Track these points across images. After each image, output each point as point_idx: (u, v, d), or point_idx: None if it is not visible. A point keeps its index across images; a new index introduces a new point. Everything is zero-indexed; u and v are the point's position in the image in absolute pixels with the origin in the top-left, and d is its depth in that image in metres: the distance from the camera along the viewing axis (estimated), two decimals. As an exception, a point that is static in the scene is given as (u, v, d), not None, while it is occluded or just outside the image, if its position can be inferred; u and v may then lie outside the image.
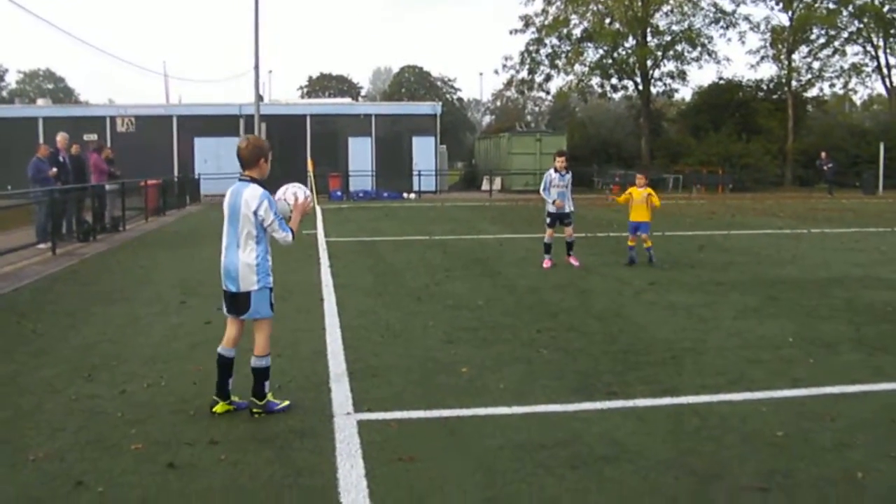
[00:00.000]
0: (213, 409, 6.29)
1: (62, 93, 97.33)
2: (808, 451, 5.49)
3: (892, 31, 53.12)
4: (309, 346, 8.51)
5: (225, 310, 6.44)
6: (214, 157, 43.04)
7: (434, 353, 8.17)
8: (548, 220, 14.74)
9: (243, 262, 6.19)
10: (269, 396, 6.37)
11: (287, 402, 6.44)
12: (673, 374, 7.45)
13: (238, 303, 6.26)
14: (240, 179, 6.32)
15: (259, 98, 43.16)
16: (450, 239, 19.65)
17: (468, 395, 6.75)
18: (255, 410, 6.27)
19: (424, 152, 45.43)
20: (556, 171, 14.48)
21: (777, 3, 52.73)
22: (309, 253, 16.66)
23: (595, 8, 53.74)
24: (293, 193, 6.54)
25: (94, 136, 38.01)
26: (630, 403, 6.55)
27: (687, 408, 6.45)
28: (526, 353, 8.21)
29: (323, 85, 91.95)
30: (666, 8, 53.51)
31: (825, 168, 43.06)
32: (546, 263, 14.45)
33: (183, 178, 37.56)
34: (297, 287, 12.31)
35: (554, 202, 14.50)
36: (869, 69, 55.03)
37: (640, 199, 15.01)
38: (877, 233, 21.23)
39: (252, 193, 6.16)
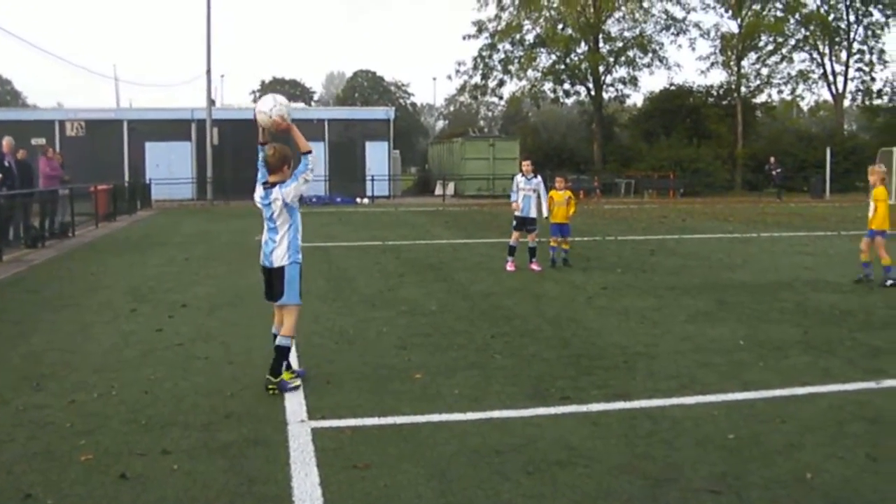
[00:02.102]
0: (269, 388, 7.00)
1: (8, 95, 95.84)
2: (758, 453, 5.56)
3: (837, 39, 54.13)
4: (262, 352, 8.40)
5: (265, 294, 7.36)
6: (166, 162, 42.67)
7: (388, 360, 8.16)
8: (514, 222, 14.88)
9: (280, 248, 7.08)
10: (284, 376, 7.05)
11: (298, 382, 7.11)
12: (626, 378, 7.50)
13: (273, 280, 7.11)
14: (264, 188, 7.10)
15: (211, 102, 42.83)
16: (403, 244, 19.65)
17: (422, 402, 6.75)
18: (269, 387, 6.94)
19: (378, 157, 45.39)
20: (522, 174, 14.69)
21: (726, 11, 53.56)
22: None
23: (548, 14, 54.22)
24: (279, 114, 7.10)
25: (42, 141, 37.52)
26: (584, 408, 6.58)
27: (640, 412, 6.50)
28: (480, 358, 8.22)
29: (276, 89, 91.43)
30: (618, 14, 54.19)
31: (774, 173, 43.62)
32: (509, 266, 14.58)
33: (134, 183, 37.15)
34: (249, 293, 12.21)
35: (514, 204, 14.81)
36: (815, 76, 56.10)
37: (560, 201, 15.18)
38: (825, 236, 21.55)
39: (276, 190, 6.99)
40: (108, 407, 6.64)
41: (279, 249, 7.07)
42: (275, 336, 7.21)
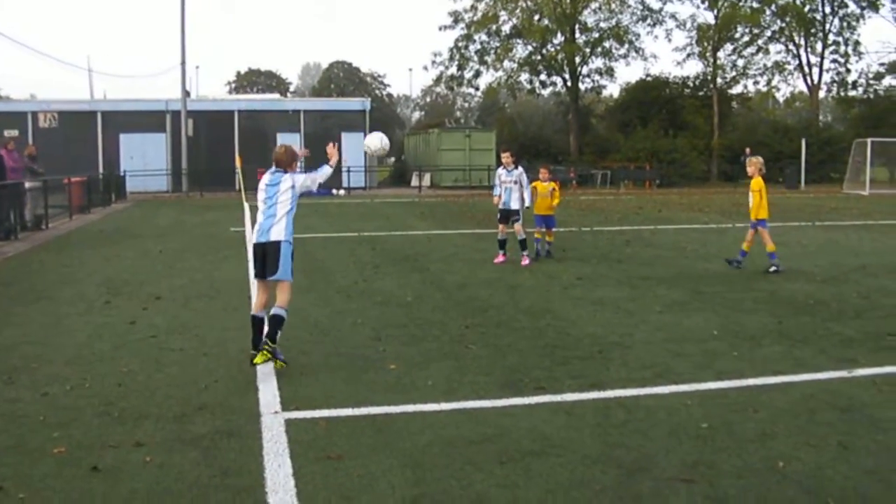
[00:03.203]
0: (254, 361, 7.48)
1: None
2: (731, 442, 5.59)
3: (812, 31, 54.42)
4: (236, 344, 8.41)
5: (255, 273, 7.92)
6: (140, 154, 42.38)
7: (362, 351, 8.15)
8: (498, 215, 14.85)
9: (278, 225, 7.70)
10: (277, 346, 7.54)
11: (283, 362, 7.53)
12: (600, 368, 7.52)
13: (268, 256, 7.67)
14: (273, 172, 7.97)
15: (186, 94, 42.57)
16: (379, 235, 19.61)
17: (396, 392, 6.75)
18: (266, 347, 7.45)
19: (354, 148, 45.22)
20: (503, 166, 14.64)
21: (703, 2, 53.76)
22: (237, 250, 16.50)
23: (524, 4, 54.18)
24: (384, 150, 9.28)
25: (14, 133, 37.19)
26: (558, 398, 6.60)
27: (614, 401, 6.52)
28: (454, 349, 8.23)
29: (251, 80, 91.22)
30: (594, 5, 54.30)
31: (749, 163, 43.73)
32: (497, 259, 14.54)
33: (108, 174, 36.84)
34: (224, 285, 12.19)
35: (495, 199, 14.84)
36: (791, 67, 56.52)
37: (544, 192, 15.17)
38: (799, 227, 21.67)
39: (287, 177, 7.89)
40: (80, 400, 6.59)
41: (278, 226, 7.68)
42: (253, 317, 7.76)
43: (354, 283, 12.34)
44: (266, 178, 7.96)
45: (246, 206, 29.04)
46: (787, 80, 60.46)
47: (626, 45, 55.41)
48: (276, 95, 66.89)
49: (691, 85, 57.61)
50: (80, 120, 43.38)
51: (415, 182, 46.11)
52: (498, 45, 55.66)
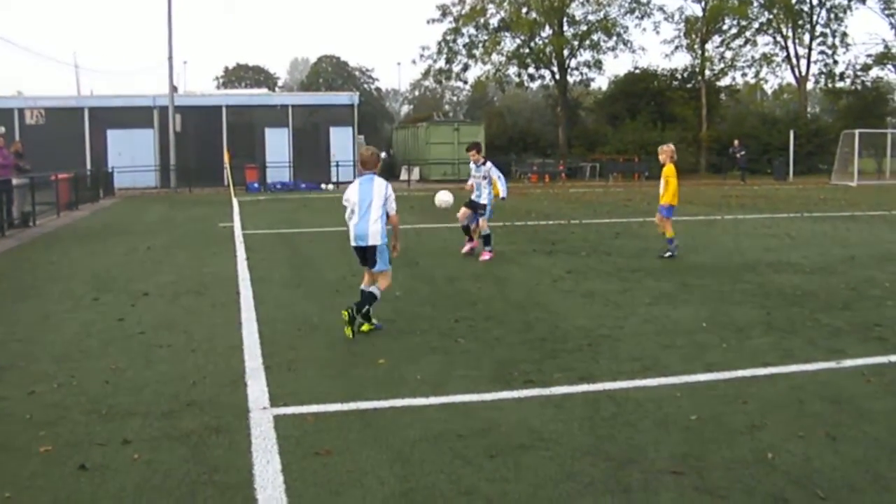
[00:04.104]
0: (362, 329, 8.55)
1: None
2: (720, 434, 5.59)
3: (800, 23, 54.52)
4: (225, 340, 8.39)
5: (360, 262, 8.95)
6: (128, 150, 42.23)
7: (351, 346, 8.14)
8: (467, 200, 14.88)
9: (373, 228, 8.54)
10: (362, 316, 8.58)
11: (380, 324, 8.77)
12: (589, 361, 7.52)
13: (368, 254, 8.67)
14: (363, 176, 8.82)
15: (173, 89, 42.44)
16: (369, 230, 19.51)
17: (385, 387, 6.73)
18: (353, 313, 8.37)
19: (342, 143, 45.18)
20: (472, 163, 14.63)
21: (690, -6, 53.66)
22: (225, 246, 16.46)
23: (512, -3, 54.05)
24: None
25: (1, 129, 36.97)
26: (547, 391, 6.59)
27: (603, 394, 6.51)
28: (443, 343, 8.21)
29: (239, 75, 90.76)
30: (582, -2, 54.08)
31: (738, 155, 43.92)
32: (464, 248, 14.58)
33: (96, 171, 36.72)
34: (213, 281, 12.15)
35: (468, 185, 15.09)
36: (779, 59, 56.58)
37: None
38: (787, 218, 21.73)
39: (381, 183, 8.70)
40: (68, 397, 6.56)
41: (373, 230, 8.55)
42: (361, 291, 8.76)
43: (343, 277, 12.31)
44: (357, 183, 8.82)
45: (235, 201, 29.00)
46: (775, 71, 60.50)
47: (615, 38, 55.45)
48: (265, 90, 66.68)
49: (679, 77, 57.70)
50: (68, 116, 43.15)
51: (404, 176, 46.06)
52: (486, 38, 55.62)
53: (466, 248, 14.66)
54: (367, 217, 8.57)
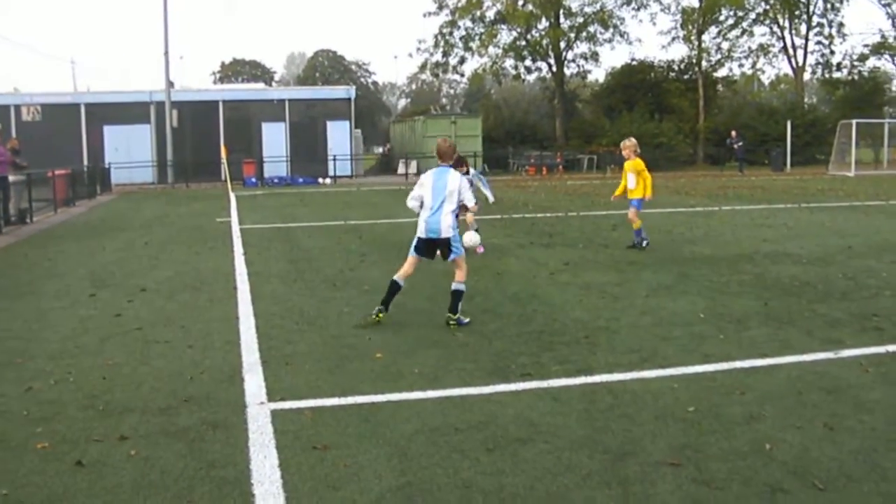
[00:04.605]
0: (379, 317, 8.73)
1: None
2: (718, 425, 5.59)
3: (796, 13, 54.45)
4: (222, 335, 8.38)
5: (415, 252, 8.93)
6: (125, 146, 42.16)
7: (349, 340, 8.12)
8: None
9: (445, 221, 8.63)
10: (460, 315, 8.64)
11: (468, 319, 8.74)
12: (587, 353, 7.51)
13: (440, 246, 8.76)
14: (439, 166, 8.95)
15: (170, 84, 42.38)
16: (365, 224, 19.56)
17: (383, 381, 6.72)
18: (450, 322, 8.56)
19: (339, 137, 45.12)
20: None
21: (687, -15, 53.56)
22: (223, 241, 16.45)
23: (508, -10, 53.94)
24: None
25: (-2, 127, 36.93)
26: (545, 384, 6.59)
27: (601, 386, 6.51)
28: (441, 336, 8.21)
29: (236, 70, 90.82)
30: (578, -11, 53.97)
31: (735, 146, 43.93)
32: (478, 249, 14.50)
33: (93, 167, 36.65)
34: (210, 276, 12.14)
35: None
36: (776, 49, 56.51)
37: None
38: (785, 209, 21.72)
39: (455, 176, 8.81)
40: (65, 394, 6.55)
41: (445, 222, 8.64)
42: (393, 282, 8.86)
43: (340, 271, 12.30)
44: (432, 174, 8.88)
45: (232, 196, 28.97)
46: (772, 62, 60.93)
47: (611, 30, 55.39)
48: (261, 85, 66.64)
49: (676, 69, 57.58)
50: (64, 112, 43.03)
51: (401, 169, 46.02)
52: (482, 31, 55.52)
53: (479, 248, 14.42)
54: (440, 210, 8.65)
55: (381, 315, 8.72)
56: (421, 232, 8.79)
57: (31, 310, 9.97)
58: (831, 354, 7.35)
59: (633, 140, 14.45)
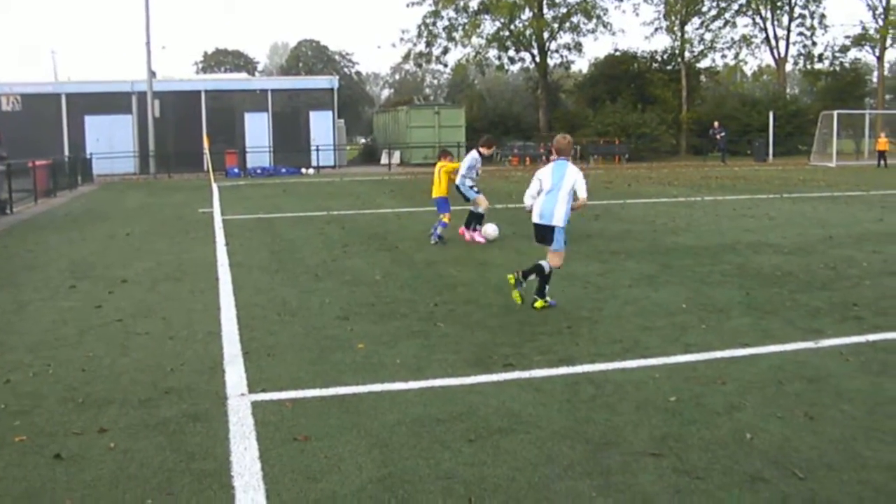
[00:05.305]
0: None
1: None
2: (699, 415, 5.60)
3: (779, 4, 54.62)
4: (203, 326, 8.34)
5: (535, 239, 9.38)
6: (107, 136, 41.89)
7: (330, 330, 8.10)
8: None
9: (558, 210, 8.95)
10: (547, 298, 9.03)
11: (553, 300, 9.11)
12: (569, 343, 7.51)
13: (546, 233, 9.06)
14: (557, 160, 9.29)
15: (152, 74, 42.10)
16: (348, 214, 19.50)
17: (364, 372, 6.71)
18: (536, 305, 8.95)
19: (322, 127, 44.96)
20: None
21: (670, -25, 53.61)
22: (205, 232, 16.37)
23: (491, -20, 53.87)
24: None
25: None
26: (526, 374, 6.58)
27: (582, 377, 6.51)
28: (423, 327, 8.19)
29: (218, 60, 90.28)
30: (561, -20, 53.96)
31: (718, 137, 44.03)
32: (478, 237, 14.42)
33: (74, 157, 36.37)
34: (191, 267, 12.08)
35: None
36: (758, 40, 56.77)
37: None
38: (767, 199, 21.79)
39: (574, 169, 9.15)
40: (43, 386, 6.50)
41: (559, 212, 8.96)
42: (537, 264, 9.05)
43: (323, 262, 12.26)
44: (552, 166, 9.24)
45: (214, 186, 28.84)
46: (755, 53, 61.12)
47: (594, 20, 55.46)
48: (244, 75, 66.30)
49: (659, 59, 57.75)
50: (44, 102, 42.71)
51: (384, 160, 45.93)
52: (466, 21, 55.49)
53: (468, 235, 14.41)
54: (556, 198, 8.97)
55: (517, 287, 9.13)
56: (534, 216, 9.19)
57: (9, 301, 9.89)
58: (812, 344, 7.37)
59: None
